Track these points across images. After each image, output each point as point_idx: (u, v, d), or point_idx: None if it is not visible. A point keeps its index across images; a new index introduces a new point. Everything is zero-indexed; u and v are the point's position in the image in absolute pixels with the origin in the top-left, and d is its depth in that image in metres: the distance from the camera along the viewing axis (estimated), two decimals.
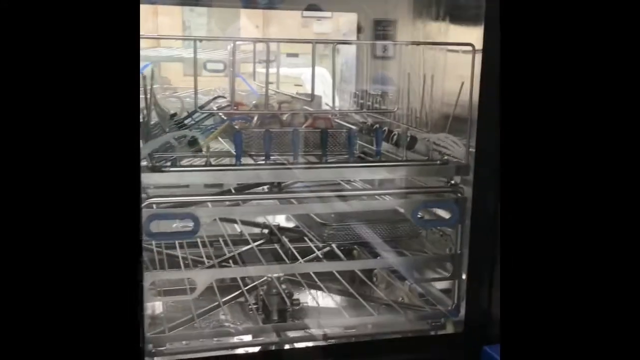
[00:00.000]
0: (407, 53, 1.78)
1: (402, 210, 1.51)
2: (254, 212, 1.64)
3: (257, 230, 1.99)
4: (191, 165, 1.37)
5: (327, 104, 1.77)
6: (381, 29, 2.04)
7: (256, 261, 1.75)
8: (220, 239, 1.91)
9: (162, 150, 1.38)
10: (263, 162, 1.39)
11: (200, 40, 1.36)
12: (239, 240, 1.94)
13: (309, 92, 2.96)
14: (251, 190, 1.49)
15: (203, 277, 1.37)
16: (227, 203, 1.44)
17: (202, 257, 1.81)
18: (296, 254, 1.79)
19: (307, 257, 1.79)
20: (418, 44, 1.68)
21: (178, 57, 2.72)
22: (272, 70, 2.32)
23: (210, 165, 1.35)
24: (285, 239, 1.86)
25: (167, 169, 1.31)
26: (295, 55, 3.67)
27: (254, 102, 2.17)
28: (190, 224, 1.31)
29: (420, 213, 1.50)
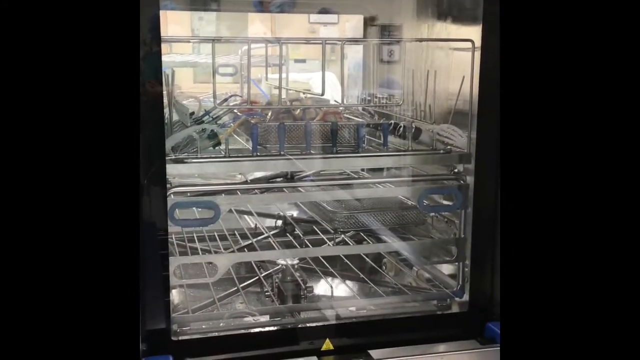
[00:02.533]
0: (411, 54, 1.88)
1: (408, 199, 1.61)
2: (269, 200, 1.74)
3: (271, 224, 2.09)
4: (211, 156, 1.46)
5: (336, 101, 1.88)
6: (387, 33, 2.13)
7: (272, 253, 1.85)
8: (237, 232, 2.01)
9: (184, 144, 1.48)
10: (277, 153, 1.49)
11: (219, 40, 1.46)
12: (254, 233, 2.04)
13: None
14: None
15: (223, 261, 1.47)
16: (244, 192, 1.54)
17: (220, 249, 1.91)
18: (309, 244, 1.89)
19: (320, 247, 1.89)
20: (421, 40, 1.78)
21: (192, 63, 2.82)
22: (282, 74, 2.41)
23: (229, 156, 1.45)
24: (299, 229, 1.96)
25: (189, 160, 1.41)
26: (303, 60, 3.78)
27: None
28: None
29: (425, 200, 1.60)
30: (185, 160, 1.40)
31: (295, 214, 2.05)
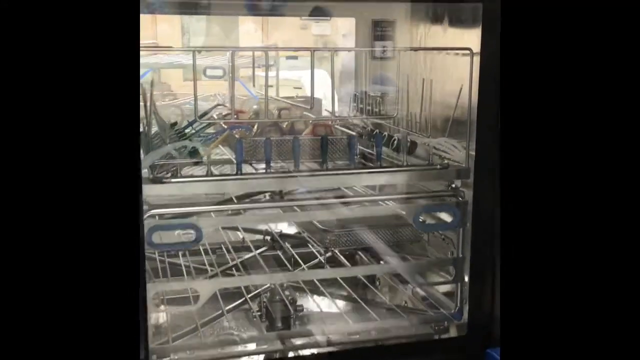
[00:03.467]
0: (405, 54, 1.78)
1: (403, 214, 1.52)
2: (256, 220, 1.64)
3: (259, 236, 2.00)
4: (192, 176, 1.36)
5: (327, 110, 1.78)
6: (380, 30, 2.04)
7: (259, 268, 1.75)
8: (223, 246, 1.91)
9: (163, 160, 1.39)
10: (264, 170, 1.39)
11: (200, 51, 1.36)
12: (241, 247, 1.94)
13: (309, 94, 2.96)
14: (253, 199, 1.49)
15: (206, 287, 1.37)
16: (229, 212, 1.44)
17: (204, 264, 1.81)
18: (299, 259, 1.80)
19: (310, 263, 1.80)
20: (416, 49, 1.68)
21: (178, 64, 2.72)
22: (272, 73, 2.32)
23: (212, 174, 1.35)
24: (287, 245, 1.87)
25: (167, 180, 1.31)
26: (295, 57, 3.67)
27: (254, 106, 2.18)
28: (192, 233, 1.32)
29: (421, 217, 1.51)
30: (164, 180, 1.31)
31: (283, 229, 1.96)
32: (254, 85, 2.19)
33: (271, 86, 2.09)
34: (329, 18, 2.48)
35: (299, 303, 1.62)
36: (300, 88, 3.97)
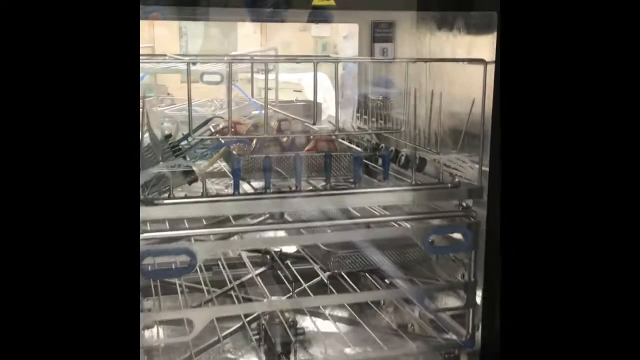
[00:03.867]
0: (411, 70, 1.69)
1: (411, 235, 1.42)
2: (256, 244, 1.54)
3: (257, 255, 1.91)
4: (186, 196, 1.27)
5: (330, 122, 1.68)
6: (380, 32, 1.95)
7: (257, 288, 1.66)
8: (219, 263, 1.82)
9: (156, 180, 1.30)
10: (263, 190, 1.30)
11: (194, 64, 1.27)
12: (238, 263, 1.85)
13: (309, 98, 2.87)
14: (252, 220, 1.40)
15: (201, 317, 1.28)
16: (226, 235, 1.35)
17: (200, 282, 1.72)
18: (299, 278, 1.70)
19: (311, 282, 1.71)
20: (423, 60, 1.57)
21: (174, 69, 2.64)
22: (271, 76, 2.22)
23: (208, 195, 1.26)
24: (288, 263, 1.77)
25: (160, 201, 1.22)
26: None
27: (254, 111, 2.09)
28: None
29: (431, 238, 1.41)
30: (156, 202, 1.22)
31: (283, 248, 1.87)
32: (252, 94, 2.09)
33: (270, 89, 2.01)
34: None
35: (299, 326, 1.54)
36: (300, 91, 3.89)
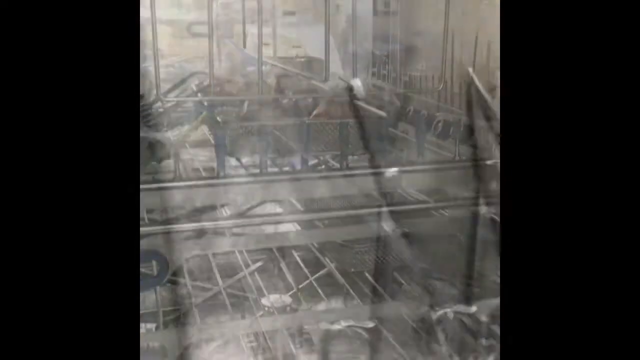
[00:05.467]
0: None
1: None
2: (248, 244, 1.14)
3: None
4: (157, 180, 0.93)
5: (341, 79, 1.32)
6: None
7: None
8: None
9: None
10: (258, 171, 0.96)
11: None
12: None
13: (309, 54, 2.52)
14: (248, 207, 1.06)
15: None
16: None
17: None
18: (308, 274, 1.36)
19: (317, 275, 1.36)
20: None
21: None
22: (267, 29, 1.90)
23: (181, 179, 0.92)
24: (296, 255, 1.43)
25: None
26: (292, 13, 3.32)
27: (250, 68, 1.75)
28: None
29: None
30: None
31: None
32: (244, 46, 1.77)
33: (267, 44, 1.71)
34: None
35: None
36: (300, 47, 3.55)
